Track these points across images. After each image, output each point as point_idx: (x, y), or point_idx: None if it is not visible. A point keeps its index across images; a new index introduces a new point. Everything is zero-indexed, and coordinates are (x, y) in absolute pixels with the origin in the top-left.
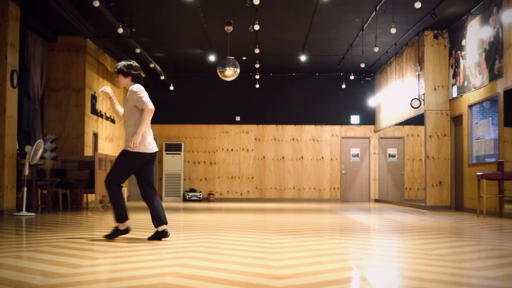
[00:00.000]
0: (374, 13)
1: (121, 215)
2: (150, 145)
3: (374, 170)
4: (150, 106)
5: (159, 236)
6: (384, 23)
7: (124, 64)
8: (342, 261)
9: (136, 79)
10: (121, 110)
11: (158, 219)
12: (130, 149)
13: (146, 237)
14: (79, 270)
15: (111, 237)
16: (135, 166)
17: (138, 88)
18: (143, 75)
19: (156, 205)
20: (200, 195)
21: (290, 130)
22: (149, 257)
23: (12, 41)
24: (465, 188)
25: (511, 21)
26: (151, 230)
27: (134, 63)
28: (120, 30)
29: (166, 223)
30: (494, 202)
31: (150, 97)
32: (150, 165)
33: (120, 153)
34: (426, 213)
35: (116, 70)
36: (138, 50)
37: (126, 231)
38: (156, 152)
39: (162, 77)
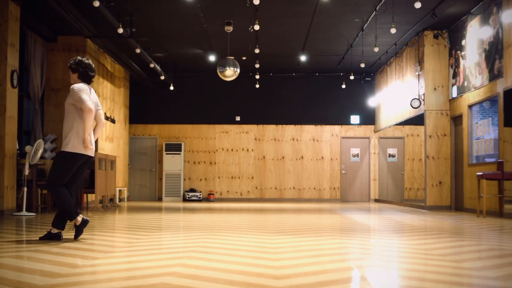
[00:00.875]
0: (374, 13)
1: (71, 213)
2: (87, 147)
3: (374, 170)
4: (88, 105)
5: (51, 237)
6: (384, 23)
7: (74, 60)
8: (342, 261)
9: (82, 76)
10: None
11: (57, 220)
12: (67, 150)
13: (145, 238)
14: (79, 270)
15: (76, 236)
16: (73, 166)
17: (78, 87)
18: (92, 74)
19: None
20: (200, 195)
21: (290, 130)
22: (149, 257)
23: (12, 41)
24: (465, 188)
25: (511, 21)
26: (152, 230)
27: (86, 61)
28: (120, 30)
29: (63, 228)
30: (494, 202)
31: (150, 97)
32: (83, 167)
33: (57, 154)
34: (426, 213)
35: (68, 64)
36: (138, 50)
37: (82, 224)
38: (91, 157)
39: (162, 77)
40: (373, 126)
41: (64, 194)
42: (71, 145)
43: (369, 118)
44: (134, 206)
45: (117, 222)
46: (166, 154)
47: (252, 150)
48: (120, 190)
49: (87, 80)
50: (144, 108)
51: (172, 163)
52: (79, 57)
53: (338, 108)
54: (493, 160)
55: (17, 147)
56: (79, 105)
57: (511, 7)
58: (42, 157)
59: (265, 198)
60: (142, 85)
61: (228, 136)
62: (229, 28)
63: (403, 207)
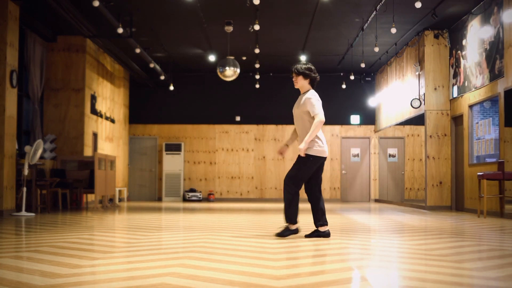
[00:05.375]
0: (374, 13)
1: (292, 216)
2: (322, 150)
3: (374, 170)
4: (321, 118)
5: (319, 235)
6: (384, 23)
7: (305, 67)
8: (342, 261)
9: (312, 82)
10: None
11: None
12: (308, 153)
13: (145, 238)
14: (79, 270)
15: (282, 235)
16: (312, 169)
17: (313, 97)
18: (318, 79)
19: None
20: (200, 195)
21: (290, 130)
22: (149, 257)
23: (12, 41)
24: (466, 188)
25: (511, 20)
26: (151, 230)
27: (313, 66)
28: (120, 30)
29: (326, 224)
30: (494, 202)
31: (150, 96)
32: (321, 169)
33: (299, 157)
34: (426, 213)
35: (296, 71)
36: (138, 50)
37: (296, 231)
38: (325, 157)
39: (162, 77)
40: (373, 126)
41: (293, 195)
42: (315, 150)
43: (369, 118)
44: (134, 206)
45: (117, 222)
46: (166, 154)
47: (252, 150)
48: (120, 190)
49: (314, 85)
50: (144, 108)
51: (172, 163)
52: (306, 63)
53: (338, 108)
54: (493, 160)
55: (17, 147)
56: (312, 114)
57: None
58: (41, 157)
59: (265, 198)
60: (142, 85)
61: (228, 136)
62: (229, 28)
63: (403, 207)
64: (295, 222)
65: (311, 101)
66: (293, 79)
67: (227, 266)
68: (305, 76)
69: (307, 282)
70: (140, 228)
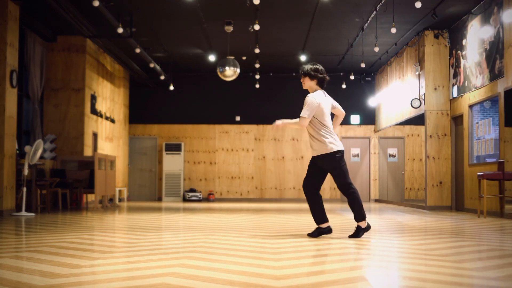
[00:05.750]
0: (374, 13)
1: (362, 213)
2: (335, 145)
3: (374, 170)
4: (302, 122)
5: (359, 231)
6: (384, 23)
7: (311, 68)
8: (342, 261)
9: (320, 83)
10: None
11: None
12: (336, 150)
13: (145, 238)
14: (79, 270)
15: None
16: (345, 162)
17: (311, 99)
18: (328, 78)
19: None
20: (200, 195)
21: (290, 130)
22: (149, 257)
23: (12, 41)
24: (466, 188)
25: (511, 20)
26: (151, 230)
27: (320, 67)
28: (120, 30)
29: (365, 218)
30: (494, 202)
31: (150, 96)
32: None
33: (334, 160)
34: (426, 213)
35: (302, 72)
36: (138, 50)
37: (368, 227)
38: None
39: (162, 77)
40: (373, 126)
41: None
42: (334, 146)
43: (369, 118)
44: (134, 206)
45: (116, 222)
46: (166, 154)
47: (252, 150)
48: (120, 190)
49: (323, 85)
50: (144, 108)
51: (172, 163)
52: (313, 64)
53: None
54: (493, 160)
55: (17, 147)
56: (301, 113)
57: None
58: (41, 157)
59: (265, 198)
60: (142, 85)
61: (228, 136)
62: (229, 28)
63: (403, 207)
64: (365, 217)
65: (305, 100)
66: (301, 80)
67: (227, 266)
68: (311, 77)
69: (307, 282)
70: (140, 228)
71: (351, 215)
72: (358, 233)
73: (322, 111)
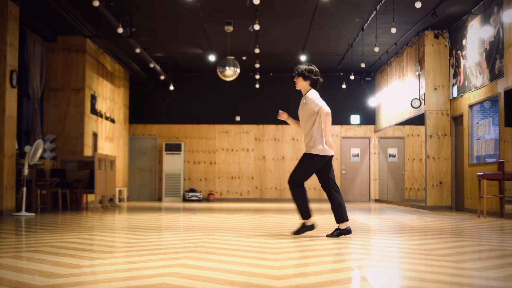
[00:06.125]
0: (374, 13)
1: (305, 213)
2: (328, 148)
3: (374, 170)
4: (326, 109)
5: (340, 233)
6: (384, 23)
7: (305, 68)
8: (342, 261)
9: (314, 84)
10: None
11: (337, 216)
12: (314, 152)
13: (145, 238)
14: (79, 270)
15: (299, 232)
16: (316, 168)
17: (312, 94)
18: (321, 80)
19: (335, 203)
20: (200, 195)
21: (290, 130)
22: (149, 257)
23: (12, 41)
24: (466, 188)
25: (511, 20)
26: (151, 230)
27: (315, 68)
28: (120, 30)
29: (347, 220)
30: (494, 202)
31: (150, 96)
32: (330, 164)
33: (304, 156)
34: (426, 213)
35: (296, 72)
36: (138, 50)
37: (312, 227)
38: (333, 156)
39: (162, 77)
40: (373, 126)
41: (302, 194)
42: (318, 149)
43: (369, 118)
44: (134, 206)
45: (116, 222)
46: (166, 154)
47: (252, 150)
48: (120, 190)
49: (316, 86)
50: (144, 108)
51: (172, 163)
52: (307, 65)
53: (338, 108)
54: (493, 160)
55: (17, 147)
56: (317, 109)
57: None
58: (41, 157)
59: (265, 198)
60: (142, 85)
61: (228, 136)
62: (229, 28)
63: (403, 207)
64: (309, 216)
65: (310, 97)
66: (295, 80)
67: (227, 266)
68: (305, 77)
69: (307, 282)
70: (140, 228)
71: (351, 215)
72: (300, 230)
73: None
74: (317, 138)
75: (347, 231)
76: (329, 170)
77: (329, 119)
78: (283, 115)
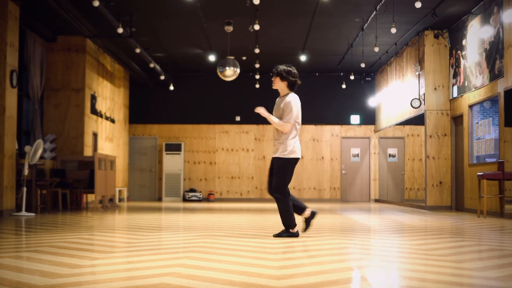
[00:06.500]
0: (374, 13)
1: (290, 223)
2: (295, 151)
3: (374, 170)
4: (287, 128)
5: (307, 222)
6: (384, 23)
7: (284, 69)
8: (342, 261)
9: (291, 86)
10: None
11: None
12: (286, 156)
13: (145, 238)
14: (79, 270)
15: (280, 235)
16: (292, 171)
17: (294, 103)
18: (299, 83)
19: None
20: (200, 195)
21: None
22: (149, 257)
23: (12, 41)
24: (466, 188)
25: (511, 20)
26: (152, 230)
27: (294, 70)
28: (120, 30)
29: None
30: (494, 202)
31: (150, 97)
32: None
33: (280, 162)
34: (426, 213)
35: (275, 72)
36: (138, 50)
37: (297, 234)
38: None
39: (162, 77)
40: (373, 126)
41: (286, 204)
42: (290, 151)
43: (369, 118)
44: (134, 206)
45: (117, 222)
46: (166, 154)
47: (252, 150)
48: (120, 190)
49: (294, 88)
50: (144, 108)
51: (172, 163)
52: (287, 66)
53: (338, 108)
54: (493, 160)
55: (17, 147)
56: (286, 118)
57: None
58: (41, 157)
59: (265, 198)
60: (142, 85)
61: (228, 136)
62: (229, 28)
63: (403, 207)
64: (294, 226)
65: (290, 106)
66: (272, 79)
67: (227, 266)
68: (282, 78)
69: (307, 282)
70: (140, 228)
71: (351, 215)
72: (281, 233)
73: (298, 116)
74: (289, 141)
75: (295, 234)
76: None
77: (284, 130)
78: (260, 109)
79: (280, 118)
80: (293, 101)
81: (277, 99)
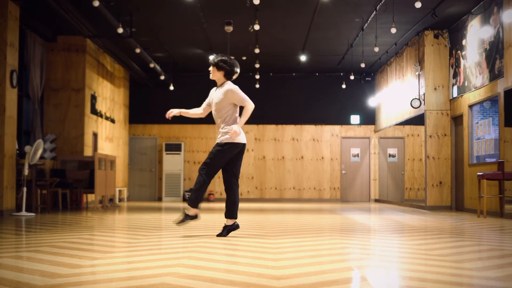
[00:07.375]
0: (374, 13)
1: (197, 201)
2: (242, 137)
3: (374, 170)
4: (252, 104)
5: (229, 230)
6: (384, 23)
7: (220, 59)
8: (342, 261)
9: (228, 75)
10: (197, 110)
11: (229, 213)
12: (226, 140)
13: (145, 238)
14: (79, 270)
15: (182, 222)
16: (228, 156)
17: (237, 89)
18: (237, 71)
19: (230, 200)
20: None
21: (290, 130)
22: (149, 257)
23: (12, 41)
24: (466, 188)
25: (511, 20)
26: (151, 230)
27: (230, 60)
28: (120, 30)
29: (235, 218)
30: (494, 202)
31: (150, 96)
32: (239, 156)
33: (216, 145)
34: (426, 213)
35: (211, 62)
36: (138, 50)
37: (195, 217)
38: (245, 144)
39: (162, 77)
40: (373, 126)
41: (203, 184)
42: (230, 137)
43: (369, 118)
44: (134, 206)
45: (116, 222)
46: (166, 154)
47: (252, 150)
48: (120, 190)
49: (231, 78)
50: (144, 108)
51: (172, 163)
52: (223, 55)
53: (338, 108)
54: (493, 160)
55: (17, 147)
56: (242, 104)
57: None
58: (41, 157)
59: (265, 198)
60: (142, 85)
61: None
62: (229, 28)
63: (403, 207)
64: (196, 206)
65: (237, 92)
66: (209, 69)
67: (227, 266)
68: (218, 67)
69: (307, 282)
70: (140, 228)
71: (351, 215)
72: (183, 220)
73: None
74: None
75: (235, 227)
76: (236, 163)
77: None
78: (172, 112)
79: (223, 108)
80: (235, 87)
81: (213, 90)
